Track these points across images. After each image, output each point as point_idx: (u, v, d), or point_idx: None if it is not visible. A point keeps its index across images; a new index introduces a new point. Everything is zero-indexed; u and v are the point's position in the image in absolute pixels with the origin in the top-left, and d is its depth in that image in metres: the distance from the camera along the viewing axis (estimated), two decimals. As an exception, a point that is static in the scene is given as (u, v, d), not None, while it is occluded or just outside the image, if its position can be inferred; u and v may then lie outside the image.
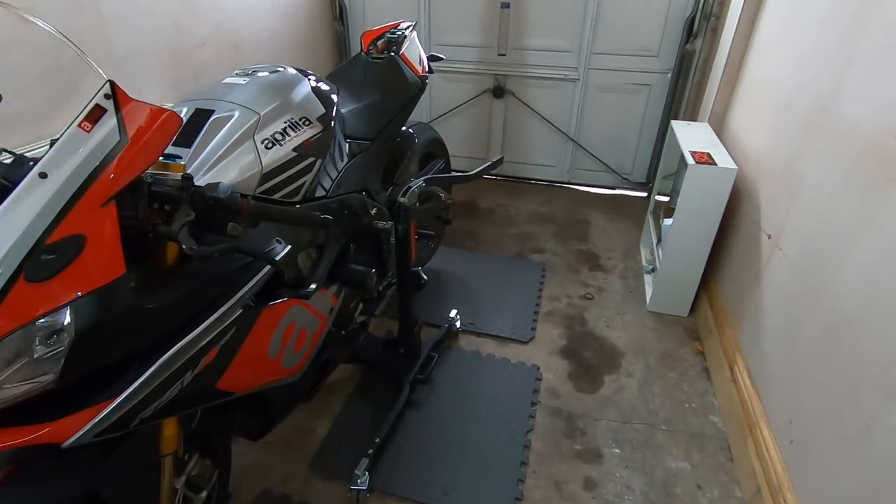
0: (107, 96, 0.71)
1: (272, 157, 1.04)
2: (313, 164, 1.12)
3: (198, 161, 0.98)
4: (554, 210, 3.15)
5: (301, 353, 1.12)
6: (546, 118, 3.26)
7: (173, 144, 1.01)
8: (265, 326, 0.97)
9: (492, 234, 2.86)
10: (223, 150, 0.99)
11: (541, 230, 2.91)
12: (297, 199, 1.10)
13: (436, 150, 2.18)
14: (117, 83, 0.72)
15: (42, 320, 0.65)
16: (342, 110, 1.47)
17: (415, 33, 1.88)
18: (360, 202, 1.40)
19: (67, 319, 0.66)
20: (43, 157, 0.68)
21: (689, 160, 1.89)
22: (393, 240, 1.54)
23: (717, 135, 2.21)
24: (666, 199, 2.60)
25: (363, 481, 1.41)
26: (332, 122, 1.21)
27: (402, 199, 1.47)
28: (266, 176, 1.03)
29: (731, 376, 1.70)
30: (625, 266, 2.57)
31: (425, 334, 2.05)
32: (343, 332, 1.43)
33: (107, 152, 0.70)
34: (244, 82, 1.13)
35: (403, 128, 1.98)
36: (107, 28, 1.74)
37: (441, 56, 2.01)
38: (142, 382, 0.75)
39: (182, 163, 0.86)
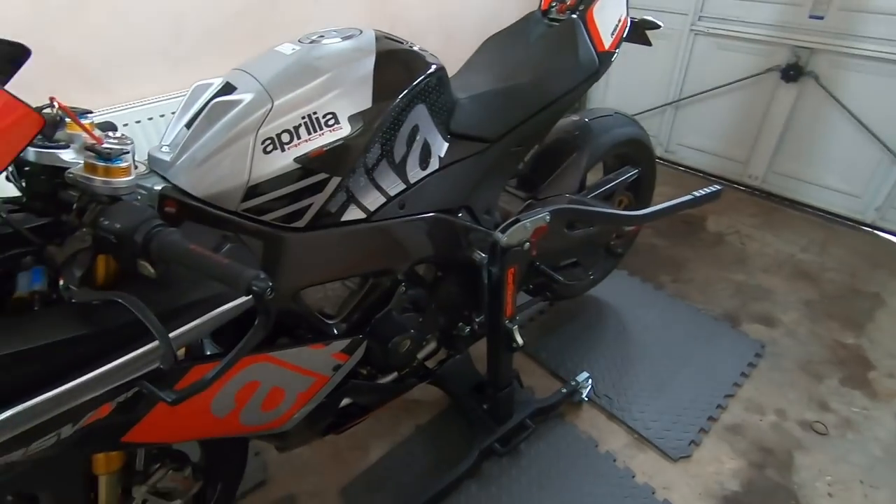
0: None
1: (266, 166, 0.75)
2: (325, 182, 0.79)
3: (189, 152, 0.76)
4: (824, 263, 2.10)
5: (276, 413, 0.88)
6: (861, 122, 2.11)
7: (185, 125, 0.82)
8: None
9: (704, 273, 2.07)
10: (217, 143, 0.75)
11: (785, 289, 1.97)
12: (300, 223, 0.80)
13: (632, 154, 1.56)
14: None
15: None
16: (462, 95, 1.06)
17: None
18: (442, 225, 1.02)
19: None
20: None
21: None
22: (486, 280, 1.12)
23: None
24: None
25: (375, 547, 1.16)
26: (374, 124, 0.83)
27: (499, 237, 1.02)
28: (253, 189, 0.75)
29: None
30: (918, 400, 1.53)
31: (539, 382, 1.61)
32: (386, 380, 1.13)
33: None
34: (290, 52, 0.84)
35: (581, 118, 1.44)
36: None
37: (658, 23, 1.32)
38: (-14, 432, 0.61)
39: (125, 165, 0.64)
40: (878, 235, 2.23)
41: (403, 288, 1.00)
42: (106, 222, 0.60)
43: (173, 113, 1.63)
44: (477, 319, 1.25)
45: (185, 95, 0.86)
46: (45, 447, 0.67)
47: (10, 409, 0.61)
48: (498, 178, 1.15)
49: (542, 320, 1.85)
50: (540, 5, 1.27)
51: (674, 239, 2.27)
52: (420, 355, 1.19)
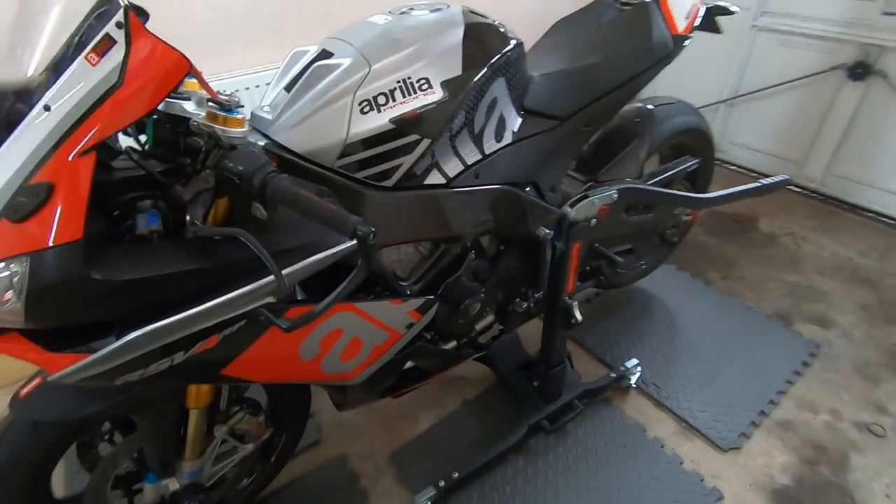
0: (118, 25, 0.58)
1: (363, 125, 0.80)
2: (416, 143, 0.84)
3: (290, 112, 0.82)
4: (884, 268, 2.03)
5: (353, 363, 0.93)
6: (934, 124, 2.03)
7: (285, 88, 0.88)
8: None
9: (755, 272, 2.03)
10: (317, 104, 0.81)
11: (841, 292, 1.92)
12: (389, 183, 0.85)
13: (691, 143, 1.55)
14: (132, 11, 0.58)
15: (8, 262, 0.61)
16: (535, 73, 1.09)
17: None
18: (510, 198, 1.05)
19: (23, 270, 0.60)
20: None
21: None
22: (549, 256, 1.15)
23: None
24: None
25: (423, 511, 1.21)
26: (465, 91, 0.87)
27: (568, 210, 1.04)
28: (349, 147, 0.80)
29: None
30: (984, 409, 1.48)
31: (586, 367, 1.62)
32: (448, 346, 1.17)
33: (101, 93, 0.59)
34: (383, 22, 0.89)
35: (645, 104, 1.44)
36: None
37: (732, 8, 1.31)
38: (115, 349, 0.68)
39: (240, 117, 0.70)
40: (943, 243, 2.15)
41: (473, 255, 1.04)
42: (230, 164, 0.65)
43: (247, 89, 1.70)
44: (535, 296, 1.28)
45: (283, 61, 0.92)
46: (159, 370, 0.74)
47: (138, 329, 0.68)
48: (564, 157, 1.17)
49: (589, 308, 1.85)
50: (612, -14, 1.29)
51: (724, 237, 2.24)
52: (478, 327, 1.23)
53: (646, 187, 1.24)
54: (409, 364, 1.15)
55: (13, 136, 0.61)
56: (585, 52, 1.17)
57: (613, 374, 1.51)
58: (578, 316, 1.17)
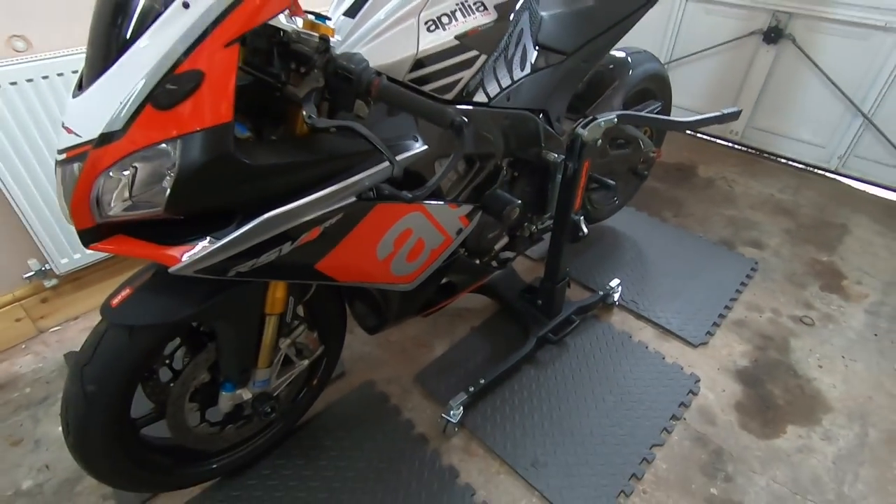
0: None
1: (431, 41, 0.91)
2: (475, 58, 0.96)
3: (357, 33, 0.90)
4: (798, 201, 2.43)
5: (415, 264, 1.05)
6: (831, 80, 2.44)
7: (345, 14, 0.96)
8: (376, 223, 0.91)
9: (700, 209, 2.35)
10: (385, 24, 0.90)
11: (768, 221, 2.28)
12: (449, 96, 0.97)
13: (654, 88, 1.79)
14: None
15: (155, 147, 0.67)
16: (543, 13, 1.24)
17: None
18: (531, 123, 1.20)
19: (173, 153, 0.67)
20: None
21: None
22: (559, 177, 1.32)
23: None
24: None
25: (456, 414, 1.35)
26: (511, 15, 1.01)
27: (580, 131, 1.22)
28: (419, 62, 0.91)
29: None
30: (881, 300, 1.86)
31: (574, 294, 1.83)
32: (476, 262, 1.31)
33: None
34: (437, -50, 1.00)
35: (619, 52, 1.64)
36: None
37: None
38: (239, 236, 0.75)
39: (332, 26, 0.79)
40: (839, 181, 2.59)
41: (505, 171, 1.18)
42: (343, 63, 0.74)
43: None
44: (539, 221, 1.45)
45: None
46: (268, 261, 0.82)
47: (260, 216, 0.76)
48: (568, 89, 1.34)
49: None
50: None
51: (672, 184, 2.54)
52: (497, 247, 1.38)
53: (640, 114, 1.44)
54: (443, 280, 1.27)
55: (151, 30, 0.66)
56: (580, -3, 1.34)
57: (601, 293, 1.73)
58: (585, 229, 1.36)
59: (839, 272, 1.99)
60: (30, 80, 1.32)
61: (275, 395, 1.12)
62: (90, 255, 1.60)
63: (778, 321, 1.77)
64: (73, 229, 1.44)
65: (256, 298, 0.96)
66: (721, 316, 1.77)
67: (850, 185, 2.55)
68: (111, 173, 0.69)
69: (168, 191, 0.68)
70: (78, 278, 1.68)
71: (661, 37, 2.92)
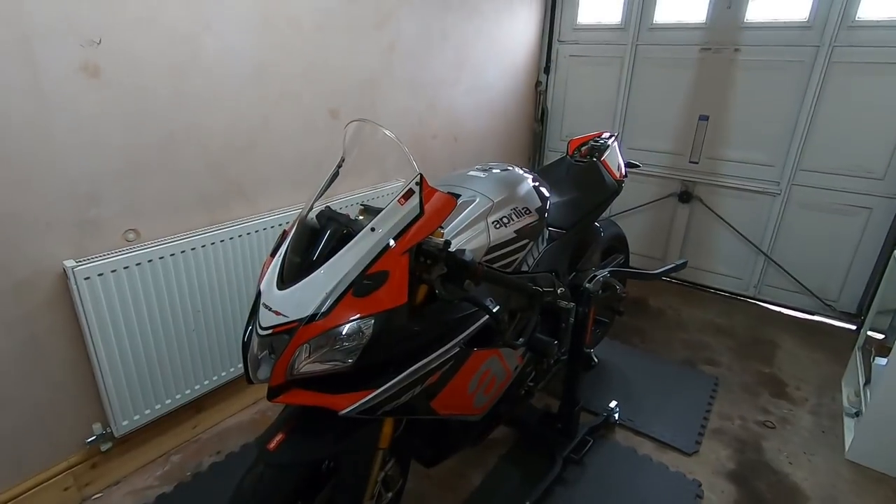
0: (416, 184, 1.05)
1: (498, 235, 1.32)
2: (526, 245, 1.38)
3: (447, 230, 1.30)
4: (733, 324, 2.96)
5: (488, 397, 1.32)
6: (736, 228, 3.16)
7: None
8: (471, 365, 1.20)
9: (660, 335, 2.80)
10: (465, 224, 1.30)
11: (715, 342, 2.76)
12: (510, 270, 1.36)
13: (618, 246, 2.31)
14: (424, 176, 1.06)
15: (356, 323, 0.96)
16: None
17: (616, 143, 2.12)
18: (550, 281, 1.61)
19: (370, 325, 0.97)
20: (371, 215, 1.04)
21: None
22: (572, 320, 1.70)
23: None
24: (880, 336, 2.29)
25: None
26: (546, 214, 1.47)
27: (587, 285, 1.64)
28: (491, 249, 1.30)
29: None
30: (818, 402, 2.28)
31: (582, 419, 2.10)
32: (517, 393, 1.60)
33: (410, 220, 1.03)
34: (483, 175, 1.46)
35: (595, 223, 2.18)
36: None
37: (637, 164, 2.20)
38: (395, 382, 1.03)
39: (443, 231, 1.17)
40: (759, 305, 3.19)
41: (539, 318, 1.54)
42: (461, 257, 1.10)
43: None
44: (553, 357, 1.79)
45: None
46: (405, 401, 1.08)
47: (410, 366, 1.05)
48: (568, 254, 1.79)
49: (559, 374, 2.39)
50: (567, 152, 2.06)
51: (632, 316, 3.02)
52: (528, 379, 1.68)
53: (625, 269, 1.90)
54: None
55: (349, 245, 1.01)
56: (565, 189, 1.87)
57: (605, 413, 2.02)
58: (595, 359, 1.71)
59: (781, 381, 2.43)
60: (138, 264, 1.58)
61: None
62: (147, 414, 1.71)
63: (747, 427, 2.12)
64: (139, 389, 1.60)
65: (377, 434, 1.18)
66: (703, 427, 2.09)
67: (769, 308, 3.15)
68: (313, 342, 0.97)
69: (360, 352, 0.97)
70: (126, 440, 1.74)
71: (600, 197, 3.66)
